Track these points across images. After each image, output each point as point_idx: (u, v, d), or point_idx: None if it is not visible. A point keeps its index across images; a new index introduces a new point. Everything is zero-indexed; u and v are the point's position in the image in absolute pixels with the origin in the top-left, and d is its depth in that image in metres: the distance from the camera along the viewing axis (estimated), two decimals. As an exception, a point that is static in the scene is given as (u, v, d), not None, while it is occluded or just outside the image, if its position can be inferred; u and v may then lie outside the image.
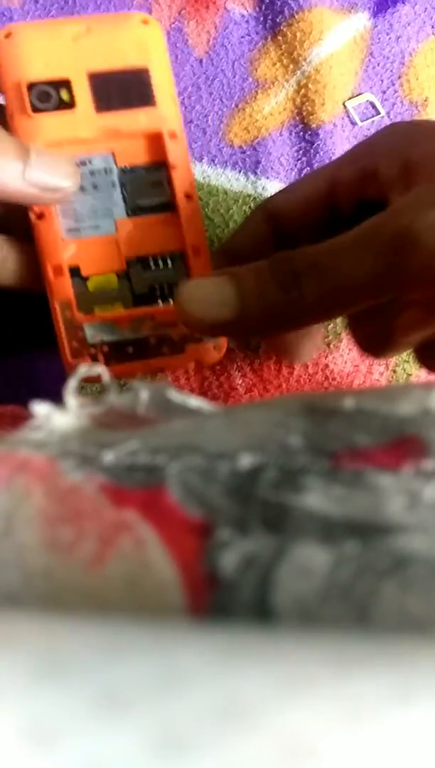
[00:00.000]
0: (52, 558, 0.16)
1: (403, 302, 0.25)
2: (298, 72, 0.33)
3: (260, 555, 0.15)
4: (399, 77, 0.34)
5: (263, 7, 0.33)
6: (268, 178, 0.33)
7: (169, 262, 0.28)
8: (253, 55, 0.33)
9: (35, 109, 0.27)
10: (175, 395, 0.20)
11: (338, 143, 0.33)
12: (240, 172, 0.33)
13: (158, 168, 0.27)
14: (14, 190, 0.26)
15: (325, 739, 0.10)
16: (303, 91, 0.33)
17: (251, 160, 0.33)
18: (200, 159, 0.33)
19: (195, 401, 0.20)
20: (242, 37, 0.33)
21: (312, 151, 0.33)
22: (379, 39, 0.33)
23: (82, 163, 0.27)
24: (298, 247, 0.23)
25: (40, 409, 0.19)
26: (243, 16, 0.33)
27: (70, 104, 0.27)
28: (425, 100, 0.34)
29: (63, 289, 0.27)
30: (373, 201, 0.25)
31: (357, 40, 0.33)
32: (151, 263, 0.28)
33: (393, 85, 0.34)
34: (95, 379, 0.22)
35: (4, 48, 0.26)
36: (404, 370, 0.34)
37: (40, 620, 0.14)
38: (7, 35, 0.26)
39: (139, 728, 0.10)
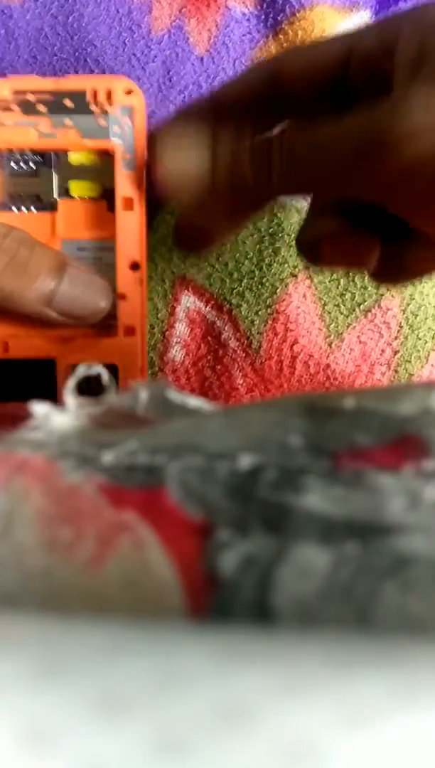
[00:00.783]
0: (51, 558, 0.16)
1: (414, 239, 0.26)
2: (300, 71, 0.33)
3: (260, 555, 0.15)
4: (400, 76, 0.33)
5: (264, 6, 0.33)
6: (269, 177, 0.33)
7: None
8: (254, 53, 0.33)
9: None
10: (175, 395, 0.20)
11: (339, 142, 0.33)
12: (241, 171, 0.33)
13: None
14: (38, 316, 0.27)
15: (325, 741, 0.10)
16: (304, 89, 0.33)
17: (252, 159, 0.33)
18: (201, 158, 0.33)
19: (194, 401, 0.20)
20: (243, 35, 0.33)
21: (313, 149, 0.33)
22: (380, 37, 0.33)
23: None
24: (289, 113, 0.24)
25: (39, 408, 0.19)
26: (244, 14, 0.33)
27: None
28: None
29: None
30: (383, 81, 0.24)
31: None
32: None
33: (394, 83, 0.33)
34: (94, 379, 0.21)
35: None
36: (406, 370, 0.34)
37: (39, 621, 0.14)
38: None
39: (139, 730, 0.10)
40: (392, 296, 0.33)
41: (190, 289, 0.33)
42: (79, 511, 0.17)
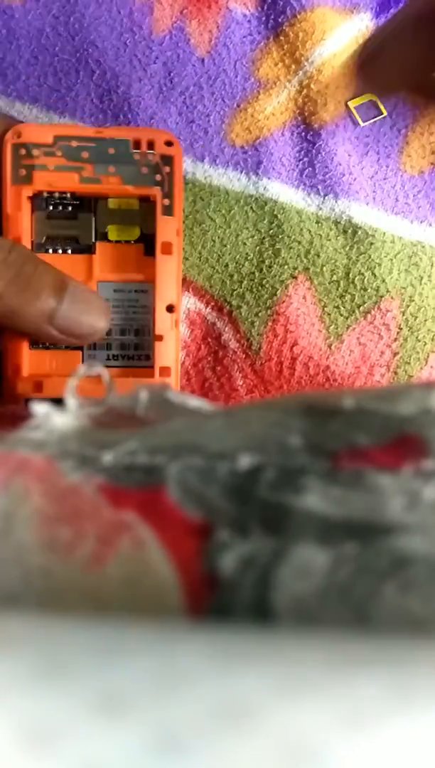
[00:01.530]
0: (51, 558, 0.16)
1: None
2: (300, 72, 0.33)
3: (259, 556, 0.15)
4: (401, 77, 0.33)
5: (265, 7, 0.33)
6: (269, 178, 0.33)
7: None
8: (255, 54, 0.33)
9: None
10: (175, 395, 0.20)
11: (340, 143, 0.33)
12: (241, 172, 0.33)
13: None
14: (39, 334, 0.27)
15: (325, 739, 0.09)
16: (305, 91, 0.33)
17: (253, 160, 0.33)
18: (202, 159, 0.33)
19: (194, 401, 0.20)
20: (244, 36, 0.33)
21: (314, 151, 0.33)
22: (381, 39, 0.33)
23: None
24: None
25: (40, 408, 0.19)
26: (245, 15, 0.33)
27: None
28: (427, 101, 0.34)
29: None
30: None
31: (359, 40, 0.33)
32: None
33: (395, 85, 0.33)
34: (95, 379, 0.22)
35: None
36: (405, 371, 0.34)
37: (39, 621, 0.14)
38: None
39: (139, 729, 0.10)
40: (392, 298, 0.33)
41: (190, 290, 0.33)
42: (79, 511, 0.17)
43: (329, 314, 0.33)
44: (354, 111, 0.33)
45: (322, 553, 0.15)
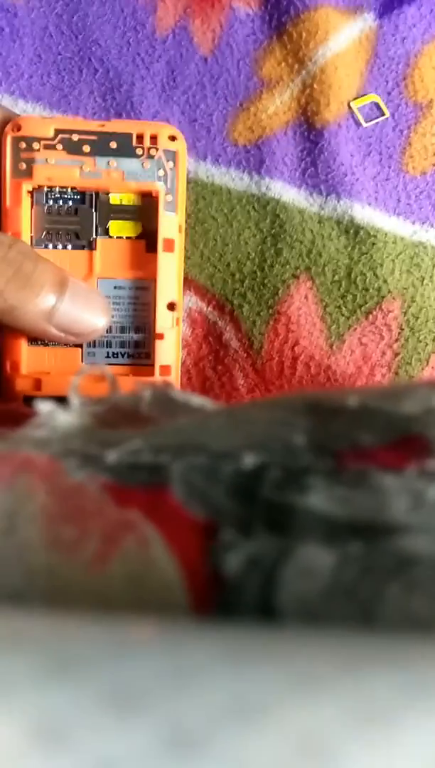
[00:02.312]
0: (55, 557, 0.16)
1: None
2: (304, 72, 0.33)
3: (264, 555, 0.15)
4: (404, 78, 0.34)
5: (269, 6, 0.33)
6: (271, 177, 0.33)
7: None
8: (258, 54, 0.33)
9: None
10: (178, 394, 0.20)
11: (343, 143, 0.33)
12: (244, 171, 0.33)
13: None
14: (39, 332, 0.27)
15: (337, 737, 0.10)
16: (308, 91, 0.33)
17: (255, 159, 0.33)
18: (204, 158, 0.33)
19: (198, 400, 0.20)
20: (247, 36, 0.33)
21: (316, 151, 0.33)
22: (384, 40, 0.33)
23: None
24: None
25: (43, 407, 0.19)
26: (248, 14, 0.33)
27: None
28: (430, 102, 0.34)
29: None
30: None
31: (362, 40, 0.33)
32: None
33: (398, 86, 0.34)
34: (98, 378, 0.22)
35: None
36: (407, 372, 0.34)
37: (50, 618, 0.14)
38: None
39: (151, 726, 0.10)
40: (393, 298, 0.33)
41: (191, 289, 0.33)
42: (83, 510, 0.17)
43: (331, 314, 0.33)
44: (357, 111, 0.33)
45: (327, 553, 0.15)
